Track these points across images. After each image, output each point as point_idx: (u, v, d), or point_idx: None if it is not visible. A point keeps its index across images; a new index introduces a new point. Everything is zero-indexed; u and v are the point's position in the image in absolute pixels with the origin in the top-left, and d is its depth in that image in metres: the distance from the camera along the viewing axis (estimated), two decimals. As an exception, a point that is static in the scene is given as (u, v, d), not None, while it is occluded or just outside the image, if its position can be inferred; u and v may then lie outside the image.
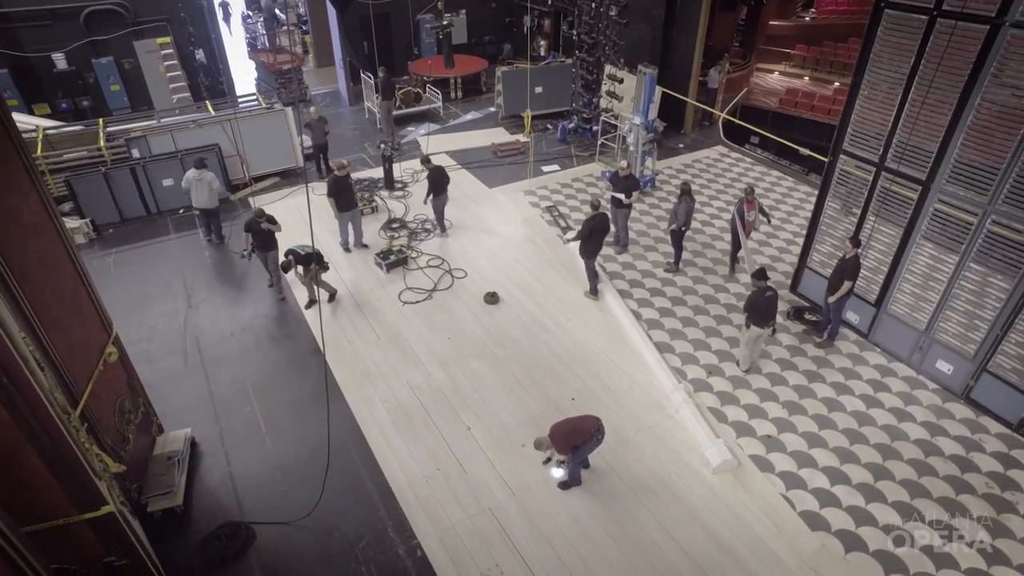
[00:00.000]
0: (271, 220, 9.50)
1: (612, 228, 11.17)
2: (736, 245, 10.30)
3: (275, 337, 9.38)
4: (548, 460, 7.05)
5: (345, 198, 10.51)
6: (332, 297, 9.84)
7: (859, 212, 8.64)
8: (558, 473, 6.97)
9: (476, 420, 7.80)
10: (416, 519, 6.67)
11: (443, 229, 11.66)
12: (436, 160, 14.39)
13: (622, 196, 10.47)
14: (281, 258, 9.44)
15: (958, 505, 6.78)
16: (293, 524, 6.61)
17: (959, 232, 7.58)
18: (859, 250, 8.29)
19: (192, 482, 7.14)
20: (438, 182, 11.08)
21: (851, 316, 9.17)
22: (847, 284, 8.27)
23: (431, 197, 11.18)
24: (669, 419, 7.82)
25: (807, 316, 9.46)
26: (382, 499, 6.90)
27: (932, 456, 7.36)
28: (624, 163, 10.79)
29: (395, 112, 15.95)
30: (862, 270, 8.47)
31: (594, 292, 9.91)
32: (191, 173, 10.76)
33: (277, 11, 21.07)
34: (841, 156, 8.69)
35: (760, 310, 7.94)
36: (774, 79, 20.28)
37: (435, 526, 6.59)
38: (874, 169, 8.29)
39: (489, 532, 6.51)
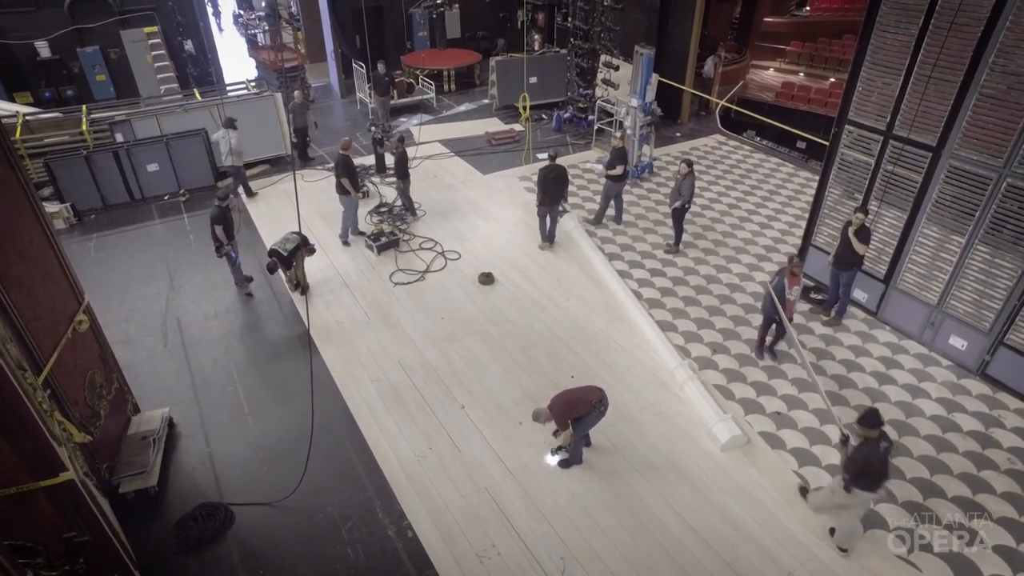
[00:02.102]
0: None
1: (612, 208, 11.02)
2: (766, 329, 7.93)
3: (261, 317, 8.98)
4: (559, 448, 6.56)
5: (353, 179, 10.11)
6: (304, 291, 9.17)
7: (865, 187, 8.35)
8: (553, 461, 6.58)
9: (470, 399, 7.41)
10: (407, 499, 6.25)
11: (413, 212, 11.26)
12: (432, 148, 14.15)
13: (608, 168, 10.39)
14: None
15: (980, 481, 6.42)
16: (274, 505, 6.19)
17: (973, 197, 7.28)
18: (867, 218, 7.95)
19: (168, 463, 6.71)
20: (404, 164, 10.74)
21: (859, 294, 8.84)
22: (865, 247, 7.91)
23: (399, 180, 10.88)
24: (673, 396, 7.44)
25: (813, 295, 9.13)
26: (370, 479, 6.48)
27: (950, 432, 7.01)
28: (618, 134, 10.69)
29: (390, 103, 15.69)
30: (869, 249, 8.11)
31: (547, 240, 10.42)
32: (219, 132, 11.40)
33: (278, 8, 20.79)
34: (846, 127, 8.42)
35: (875, 472, 5.33)
36: (769, 75, 20.12)
37: (427, 506, 6.17)
38: (882, 138, 8.02)
39: (485, 512, 6.10)
